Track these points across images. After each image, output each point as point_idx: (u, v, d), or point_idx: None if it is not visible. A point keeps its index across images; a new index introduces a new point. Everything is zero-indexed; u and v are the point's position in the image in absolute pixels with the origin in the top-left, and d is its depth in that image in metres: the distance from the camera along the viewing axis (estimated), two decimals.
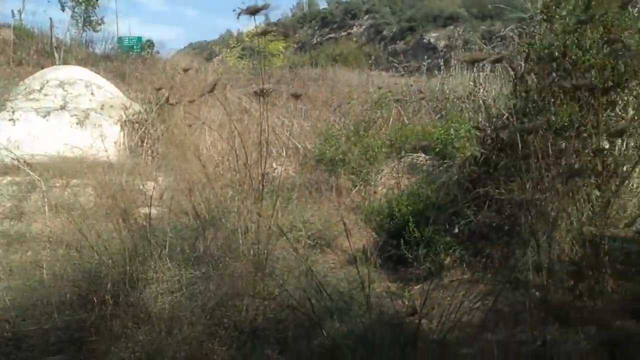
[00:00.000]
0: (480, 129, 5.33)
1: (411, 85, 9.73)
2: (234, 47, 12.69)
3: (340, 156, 7.54)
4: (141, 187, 4.87)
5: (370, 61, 17.82)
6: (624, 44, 4.42)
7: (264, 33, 4.14)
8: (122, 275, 3.54)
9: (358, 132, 7.99)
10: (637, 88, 4.43)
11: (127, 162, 6.82)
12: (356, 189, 7.03)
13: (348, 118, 8.96)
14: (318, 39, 26.85)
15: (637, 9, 5.03)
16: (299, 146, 8.67)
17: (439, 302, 4.08)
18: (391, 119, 8.56)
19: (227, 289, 3.48)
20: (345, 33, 26.27)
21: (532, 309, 4.00)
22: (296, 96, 3.99)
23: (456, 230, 4.83)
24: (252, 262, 3.69)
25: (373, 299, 3.85)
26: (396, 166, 7.05)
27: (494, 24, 15.60)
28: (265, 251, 3.75)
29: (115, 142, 8.05)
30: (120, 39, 17.63)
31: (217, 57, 15.27)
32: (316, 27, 28.02)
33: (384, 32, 24.27)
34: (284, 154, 8.64)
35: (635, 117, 4.50)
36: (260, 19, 3.56)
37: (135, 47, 17.06)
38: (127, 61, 12.68)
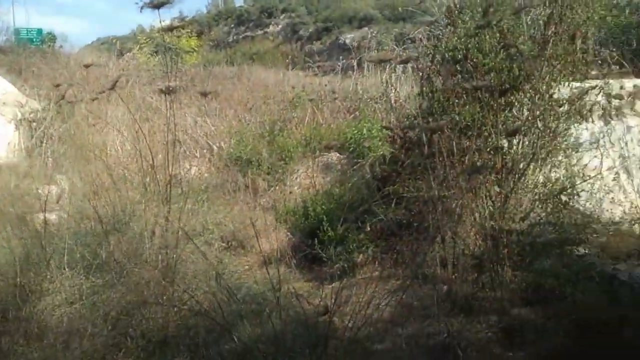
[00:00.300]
0: (390, 129, 5.48)
1: (326, 85, 9.83)
2: (143, 43, 12.14)
3: (256, 156, 7.46)
4: (39, 190, 4.53)
5: (287, 60, 17.79)
6: (518, 49, 4.72)
7: (170, 28, 3.98)
8: (12, 288, 3.25)
9: (273, 132, 7.95)
10: (531, 91, 4.72)
11: (23, 163, 6.31)
12: (271, 189, 6.99)
13: (264, 117, 8.88)
14: (234, 37, 26.45)
15: (529, 17, 5.40)
16: (214, 146, 8.47)
17: (352, 300, 4.14)
18: (307, 119, 8.59)
19: (132, 297, 3.31)
20: (262, 32, 26.09)
21: (439, 302, 4.17)
22: (205, 94, 3.86)
23: (368, 228, 4.92)
24: (159, 268, 3.53)
25: (287, 299, 3.83)
26: (311, 166, 7.09)
27: (406, 27, 16.09)
28: (174, 256, 3.61)
29: (9, 143, 7.42)
30: (17, 30, 16.30)
31: (128, 54, 14.55)
32: (232, 25, 27.60)
33: (301, 32, 24.37)
34: (197, 154, 8.42)
35: (530, 118, 4.80)
36: (169, 13, 3.43)
37: (34, 39, 15.84)
38: (23, 54, 11.71)
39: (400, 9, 15.09)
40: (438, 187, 4.24)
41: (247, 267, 5.33)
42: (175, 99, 4.29)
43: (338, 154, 7.58)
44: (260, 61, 19.35)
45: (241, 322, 3.10)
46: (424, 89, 4.83)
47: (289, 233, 5.99)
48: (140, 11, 3.30)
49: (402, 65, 8.67)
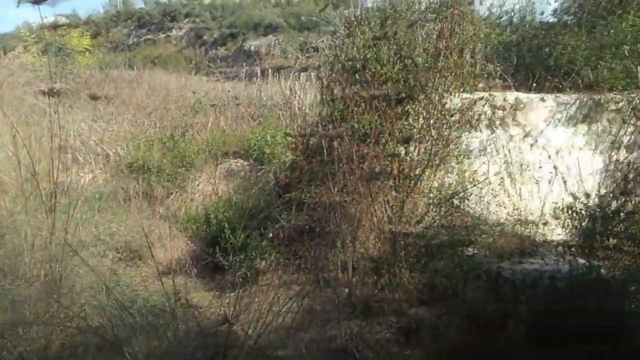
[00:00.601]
0: (292, 136, 5.51)
1: (229, 91, 9.70)
2: (28, 41, 11.23)
3: (155, 162, 7.16)
4: None
5: (191, 65, 17.37)
6: (413, 61, 4.96)
7: (55, 26, 3.70)
8: None
9: (174, 138, 7.69)
10: (425, 100, 4.97)
11: None
12: (171, 196, 6.73)
13: (164, 123, 8.56)
14: (134, 40, 25.31)
15: (424, 31, 5.70)
16: (110, 152, 8.02)
17: (254, 307, 4.09)
18: (209, 125, 8.41)
19: (8, 317, 3.01)
20: (164, 35, 25.21)
21: (339, 305, 4.23)
22: (95, 97, 3.63)
23: (270, 234, 4.90)
24: (42, 283, 3.25)
25: (186, 310, 3.69)
26: (213, 172, 6.93)
27: (311, 36, 16.34)
28: (59, 269, 3.34)
29: None
30: None
31: (12, 52, 13.40)
32: (132, 27, 26.40)
33: (205, 37, 23.88)
34: (92, 160, 7.92)
35: (424, 126, 5.04)
36: (58, 10, 3.18)
37: None
38: None
39: (304, 18, 15.30)
40: (338, 192, 4.32)
41: (144, 278, 5.07)
42: (64, 102, 3.99)
43: (241, 161, 7.49)
44: (162, 65, 18.67)
45: (134, 337, 2.93)
46: (324, 97, 4.92)
47: (189, 242, 5.80)
48: (18, 6, 3.04)
49: (305, 73, 8.78)
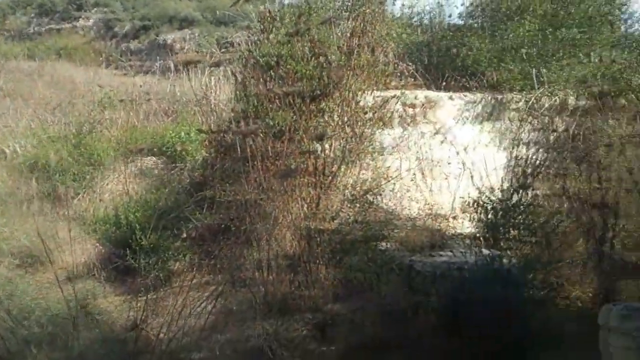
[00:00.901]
0: (205, 132, 5.37)
1: (141, 86, 9.27)
2: None
3: (60, 161, 6.69)
4: None
5: (100, 58, 16.45)
6: (327, 58, 5.00)
7: None
8: None
9: (80, 134, 7.22)
10: (339, 98, 5.03)
11: None
12: (78, 197, 6.33)
13: (69, 118, 8.01)
14: (35, 29, 23.50)
15: (339, 29, 5.76)
16: (6, 150, 7.40)
17: (167, 310, 3.95)
18: (120, 121, 7.98)
19: None
20: (70, 25, 23.61)
21: (257, 304, 4.20)
22: None
23: (184, 235, 4.75)
24: None
25: (91, 317, 3.50)
26: (124, 171, 6.60)
27: (228, 31, 16.07)
28: None
29: None
30: None
31: None
32: (32, 15, 24.53)
33: (116, 29, 22.67)
34: None
35: (339, 123, 5.10)
36: None
37: None
38: None
39: (220, 12, 15.00)
40: (253, 190, 4.27)
41: (47, 284, 4.74)
42: None
43: (154, 158, 7.20)
44: (68, 57, 17.53)
45: (29, 350, 2.72)
46: (237, 93, 4.84)
47: (98, 244, 5.48)
48: None
49: (222, 68, 8.61)
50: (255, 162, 4.19)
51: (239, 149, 3.97)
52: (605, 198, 4.35)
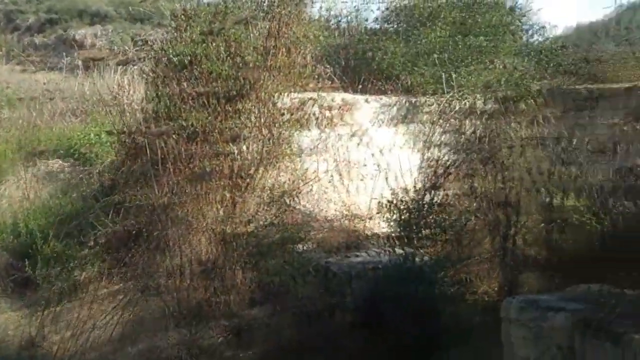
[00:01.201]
0: (114, 134, 5.11)
1: (45, 84, 8.69)
2: None
3: None
4: None
5: (0, 52, 15.26)
6: (243, 58, 4.92)
7: None
8: None
9: None
10: (256, 99, 4.96)
11: None
12: None
13: None
14: None
15: (257, 30, 5.69)
16: None
17: (71, 324, 3.71)
18: (20, 121, 7.43)
19: None
20: None
21: (169, 313, 4.04)
22: None
23: (92, 242, 4.48)
24: None
25: None
26: (24, 175, 6.14)
27: (144, 28, 15.48)
28: None
29: None
30: None
31: None
32: None
33: (18, 21, 21.15)
34: None
35: (256, 125, 5.04)
36: None
37: None
38: None
39: (133, 8, 14.40)
40: (166, 194, 4.11)
41: None
42: None
43: (60, 162, 6.76)
44: None
45: None
46: (148, 92, 4.65)
47: None
48: None
49: (138, 67, 8.23)
50: (167, 165, 4.03)
51: (149, 151, 3.80)
52: (508, 197, 4.59)
